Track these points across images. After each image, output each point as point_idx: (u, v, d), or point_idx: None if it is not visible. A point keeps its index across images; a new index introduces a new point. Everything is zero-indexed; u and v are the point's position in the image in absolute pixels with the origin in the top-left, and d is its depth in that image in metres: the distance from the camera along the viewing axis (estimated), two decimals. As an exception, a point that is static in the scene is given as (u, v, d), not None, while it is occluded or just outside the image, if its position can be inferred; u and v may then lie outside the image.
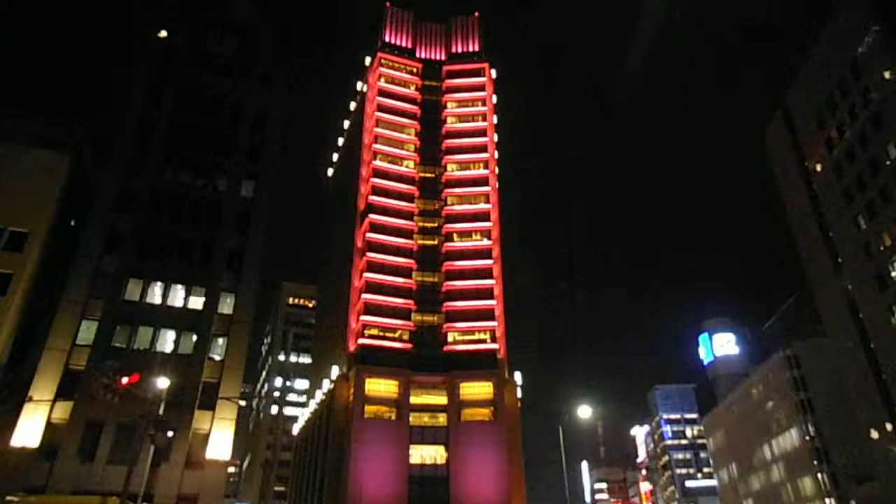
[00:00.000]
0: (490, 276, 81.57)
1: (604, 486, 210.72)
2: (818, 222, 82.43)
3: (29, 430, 40.72)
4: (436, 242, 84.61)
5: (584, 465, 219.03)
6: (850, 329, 75.54)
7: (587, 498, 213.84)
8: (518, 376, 79.56)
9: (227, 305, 49.75)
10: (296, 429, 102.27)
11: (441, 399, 75.32)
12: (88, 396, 39.04)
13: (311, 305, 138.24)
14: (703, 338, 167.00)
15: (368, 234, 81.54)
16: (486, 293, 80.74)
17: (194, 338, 47.23)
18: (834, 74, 76.15)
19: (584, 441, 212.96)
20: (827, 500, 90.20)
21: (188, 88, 56.62)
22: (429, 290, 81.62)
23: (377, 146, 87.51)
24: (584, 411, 55.26)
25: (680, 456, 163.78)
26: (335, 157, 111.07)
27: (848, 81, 73.61)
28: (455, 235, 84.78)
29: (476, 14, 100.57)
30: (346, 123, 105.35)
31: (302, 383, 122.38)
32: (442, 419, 74.45)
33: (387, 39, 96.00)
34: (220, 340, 48.36)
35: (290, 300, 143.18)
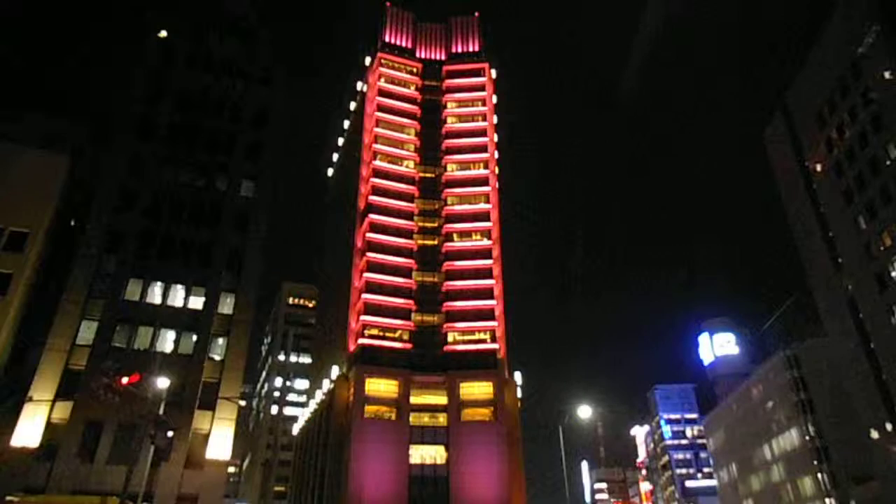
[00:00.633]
0: (490, 276, 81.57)
1: (604, 486, 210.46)
2: (818, 222, 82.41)
3: (29, 430, 40.74)
4: (436, 242, 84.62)
5: (584, 465, 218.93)
6: (850, 329, 75.52)
7: (587, 498, 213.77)
8: (518, 376, 79.59)
9: (227, 305, 49.77)
10: (296, 429, 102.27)
11: (441, 399, 75.31)
12: (88, 396, 39.03)
13: (311, 305, 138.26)
14: (702, 338, 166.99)
15: (368, 234, 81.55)
16: (486, 293, 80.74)
17: (194, 338, 47.25)
18: (834, 74, 76.13)
19: (584, 441, 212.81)
20: (827, 500, 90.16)
21: (188, 88, 56.69)
22: (429, 290, 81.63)
23: (377, 146, 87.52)
24: (584, 411, 55.13)
25: (680, 456, 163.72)
26: (335, 157, 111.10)
27: (848, 81, 73.59)
28: (455, 235, 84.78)
29: (476, 14, 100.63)
30: (346, 123, 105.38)
31: (302, 383, 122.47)
32: (442, 419, 74.45)
33: (387, 39, 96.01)
34: (220, 340, 48.37)
35: (290, 300, 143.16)
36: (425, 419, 74.71)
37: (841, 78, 74.78)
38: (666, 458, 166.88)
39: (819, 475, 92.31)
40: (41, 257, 46.25)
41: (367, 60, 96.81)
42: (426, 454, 72.43)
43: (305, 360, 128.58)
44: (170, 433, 30.28)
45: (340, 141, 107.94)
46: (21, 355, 45.01)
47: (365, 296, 77.92)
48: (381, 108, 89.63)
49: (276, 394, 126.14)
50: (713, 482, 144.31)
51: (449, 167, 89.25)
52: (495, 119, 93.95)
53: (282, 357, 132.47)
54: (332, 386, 77.45)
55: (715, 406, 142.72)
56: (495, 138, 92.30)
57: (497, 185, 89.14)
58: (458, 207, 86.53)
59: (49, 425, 41.39)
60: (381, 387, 73.78)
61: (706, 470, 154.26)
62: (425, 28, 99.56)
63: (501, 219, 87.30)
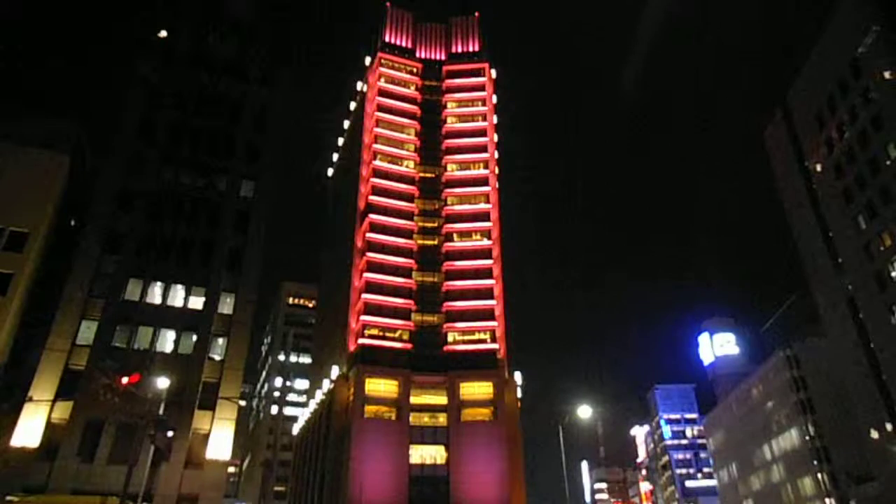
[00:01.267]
0: (490, 276, 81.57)
1: (604, 486, 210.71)
2: (818, 222, 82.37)
3: (29, 430, 40.75)
4: (436, 242, 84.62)
5: (584, 465, 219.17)
6: (850, 329, 75.50)
7: (587, 498, 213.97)
8: (518, 376, 79.55)
9: (227, 305, 49.79)
10: (296, 429, 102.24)
11: (441, 399, 75.31)
12: (88, 396, 39.06)
13: (311, 305, 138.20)
14: (702, 338, 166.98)
15: (368, 234, 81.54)
16: (486, 293, 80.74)
17: (194, 338, 47.26)
18: (834, 74, 76.11)
19: (584, 441, 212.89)
20: (827, 500, 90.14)
21: (188, 88, 56.68)
22: (429, 290, 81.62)
23: (377, 146, 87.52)
24: (584, 411, 55.18)
25: (680, 456, 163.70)
26: (335, 157, 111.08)
27: (848, 81, 73.56)
28: (455, 235, 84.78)
29: (476, 14, 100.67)
30: (346, 123, 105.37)
31: (302, 383, 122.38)
32: (442, 419, 74.45)
33: (387, 39, 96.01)
34: (220, 340, 48.38)
35: (290, 300, 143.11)
36: (425, 419, 74.72)
37: (841, 78, 74.75)
38: (666, 458, 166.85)
39: (819, 475, 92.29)
40: (41, 257, 46.24)
41: (367, 60, 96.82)
42: (426, 454, 72.44)
43: (305, 360, 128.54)
44: (170, 433, 30.39)
45: (340, 141, 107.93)
46: (21, 355, 45.02)
47: (365, 296, 77.91)
48: (381, 108, 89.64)
49: (276, 394, 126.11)
50: (713, 482, 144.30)
51: (449, 167, 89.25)
52: (495, 119, 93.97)
53: (282, 357, 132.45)
54: (332, 386, 77.44)
55: (715, 406, 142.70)
56: (495, 138, 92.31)
57: (497, 185, 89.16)
58: (458, 207, 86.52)
59: (49, 425, 41.41)
60: (381, 387, 73.78)
61: (706, 470, 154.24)
62: (425, 28, 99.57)
63: (501, 219, 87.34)
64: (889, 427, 69.78)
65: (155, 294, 48.12)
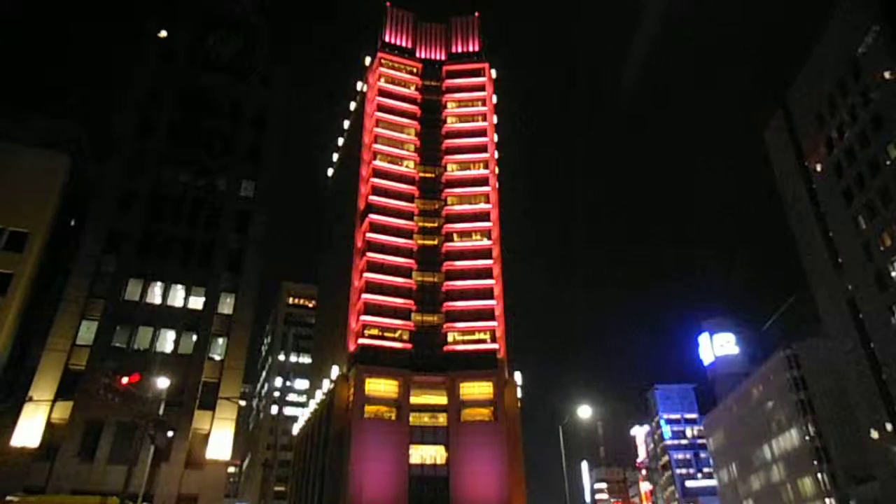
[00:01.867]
0: (490, 276, 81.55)
1: (604, 486, 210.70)
2: (818, 222, 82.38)
3: (29, 430, 40.76)
4: (436, 242, 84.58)
5: (584, 465, 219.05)
6: (850, 329, 75.51)
7: (587, 498, 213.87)
8: (518, 376, 79.50)
9: (227, 305, 49.81)
10: (296, 429, 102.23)
11: (441, 399, 75.29)
12: (88, 396, 39.07)
13: (311, 305, 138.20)
14: (703, 338, 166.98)
15: (368, 234, 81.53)
16: (486, 293, 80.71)
17: (194, 338, 47.28)
18: (834, 74, 76.12)
19: (584, 441, 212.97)
20: (827, 500, 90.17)
21: (188, 88, 56.70)
22: (429, 290, 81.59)
23: (377, 146, 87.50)
24: (584, 411, 55.02)
25: (680, 456, 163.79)
26: (335, 157, 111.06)
27: (848, 81, 73.56)
28: (455, 235, 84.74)
29: (476, 14, 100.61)
30: (346, 123, 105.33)
31: (302, 383, 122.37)
32: (442, 419, 74.42)
33: (387, 39, 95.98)
34: (220, 340, 48.40)
35: (290, 300, 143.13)
36: (425, 419, 74.69)
37: (841, 78, 74.76)
38: (666, 458, 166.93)
39: (819, 475, 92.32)
40: (41, 257, 46.24)
41: (368, 60, 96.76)
42: (426, 454, 72.41)
43: (305, 360, 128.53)
44: (170, 433, 30.40)
45: (340, 141, 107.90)
46: (21, 355, 45.04)
47: (365, 296, 77.90)
48: (381, 108, 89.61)
49: (276, 394, 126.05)
50: (713, 482, 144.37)
51: (449, 167, 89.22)
52: (495, 119, 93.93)
53: (282, 357, 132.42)
54: (332, 386, 77.41)
55: (715, 406, 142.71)
56: (495, 138, 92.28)
57: (497, 185, 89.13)
58: (458, 207, 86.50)
59: (49, 425, 41.41)
60: (381, 387, 73.76)
61: (706, 470, 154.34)
62: (425, 28, 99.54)
63: (501, 219, 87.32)
64: (889, 427, 69.79)
65: (155, 294, 48.13)
